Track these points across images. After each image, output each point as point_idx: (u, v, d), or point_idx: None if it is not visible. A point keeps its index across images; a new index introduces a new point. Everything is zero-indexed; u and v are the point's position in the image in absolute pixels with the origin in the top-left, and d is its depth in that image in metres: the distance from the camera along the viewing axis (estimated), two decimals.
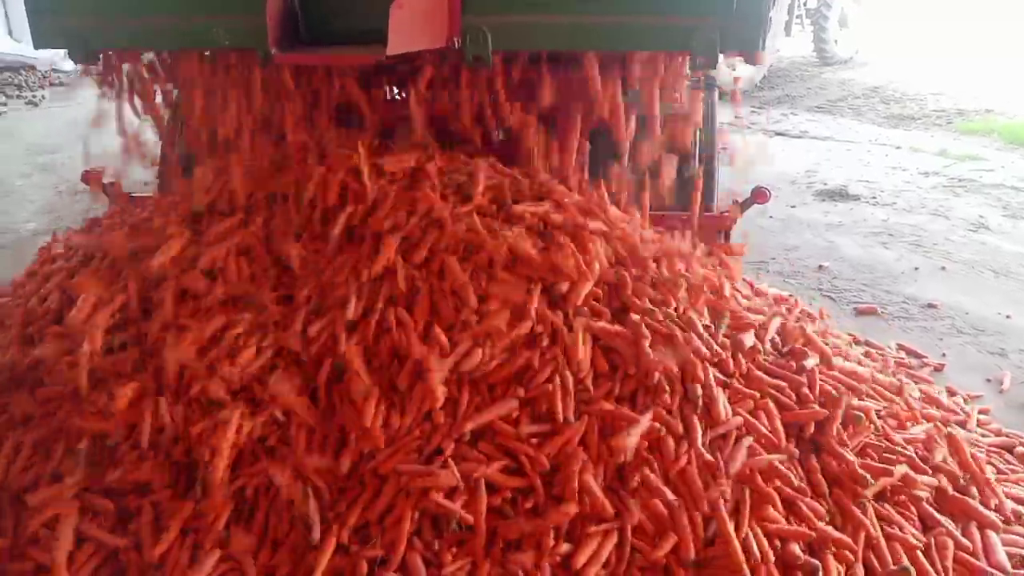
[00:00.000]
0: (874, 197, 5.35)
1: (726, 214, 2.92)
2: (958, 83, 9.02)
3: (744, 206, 2.89)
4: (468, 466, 1.93)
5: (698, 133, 3.06)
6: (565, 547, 1.86)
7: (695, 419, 2.08)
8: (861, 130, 7.44)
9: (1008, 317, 3.70)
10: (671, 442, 2.04)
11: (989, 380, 3.18)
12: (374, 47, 2.05)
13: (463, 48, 2.32)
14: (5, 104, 8.54)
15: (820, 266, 4.26)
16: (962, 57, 10.48)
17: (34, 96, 8.95)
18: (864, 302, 3.85)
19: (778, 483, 2.08)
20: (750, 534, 1.92)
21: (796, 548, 1.93)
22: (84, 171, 2.83)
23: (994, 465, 2.52)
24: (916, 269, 4.25)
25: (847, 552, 1.98)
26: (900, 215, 5.03)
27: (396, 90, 2.82)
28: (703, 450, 2.03)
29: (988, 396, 3.04)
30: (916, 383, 2.92)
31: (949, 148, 6.61)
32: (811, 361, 2.39)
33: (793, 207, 5.21)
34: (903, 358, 3.26)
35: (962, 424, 2.74)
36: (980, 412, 2.86)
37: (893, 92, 8.81)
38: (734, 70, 8.69)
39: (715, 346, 2.25)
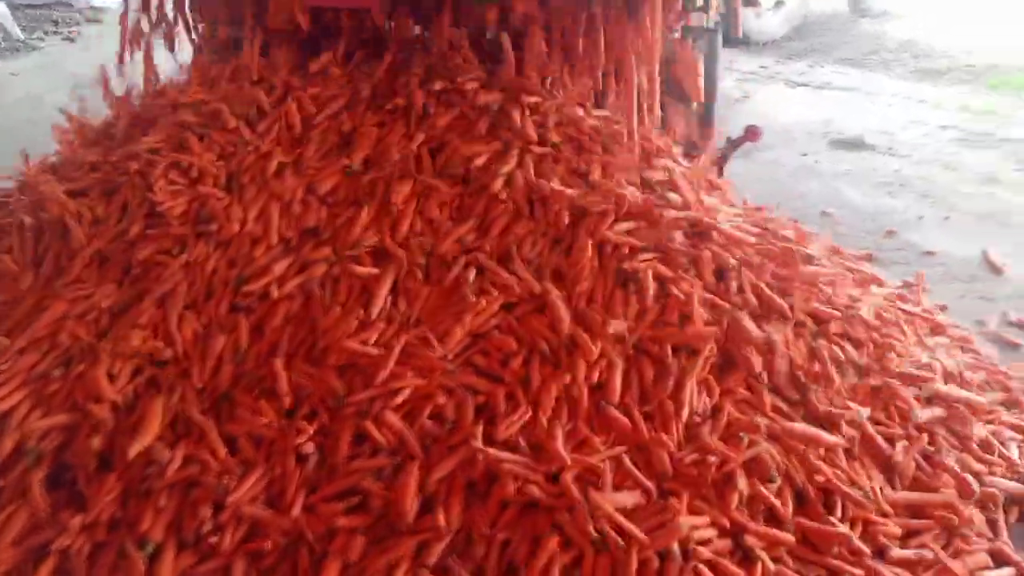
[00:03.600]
0: (889, 148, 5.38)
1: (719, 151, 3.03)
2: (994, 38, 8.85)
3: (736, 144, 2.99)
4: None
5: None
6: None
7: None
8: (888, 83, 7.37)
9: (1004, 265, 3.78)
10: None
11: (978, 322, 3.29)
12: None
13: None
14: (43, 39, 8.73)
15: (823, 212, 4.35)
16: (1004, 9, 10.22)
17: (70, 32, 9.13)
18: (864, 247, 3.94)
19: None
20: None
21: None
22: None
23: None
24: (920, 218, 4.32)
25: None
26: (912, 166, 5.06)
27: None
28: None
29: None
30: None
31: (972, 103, 6.56)
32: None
33: (805, 155, 5.26)
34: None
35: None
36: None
37: (926, 47, 8.65)
38: (759, 18, 8.62)
39: None
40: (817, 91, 6.96)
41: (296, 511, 1.98)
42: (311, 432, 2.07)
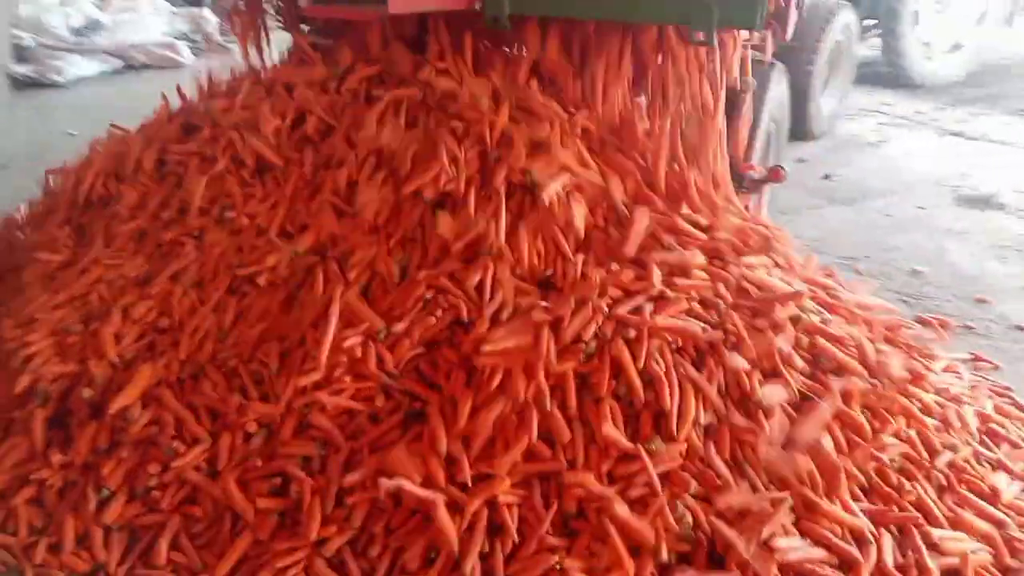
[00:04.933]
0: (1022, 210, 4.88)
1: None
2: None
3: (757, 184, 2.85)
4: None
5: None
6: None
7: None
8: None
9: None
10: None
11: None
12: (376, 3, 2.29)
13: (483, 9, 2.50)
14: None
15: (914, 270, 4.03)
16: None
17: None
18: (945, 313, 3.62)
19: None
20: None
21: None
22: None
23: None
24: (1023, 289, 3.90)
25: None
26: None
27: None
28: None
29: None
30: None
31: None
32: None
33: (921, 208, 4.88)
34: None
35: None
36: None
37: None
38: (930, 60, 8.03)
39: None
40: (968, 141, 6.40)
41: (229, 485, 2.14)
42: (258, 414, 2.23)
